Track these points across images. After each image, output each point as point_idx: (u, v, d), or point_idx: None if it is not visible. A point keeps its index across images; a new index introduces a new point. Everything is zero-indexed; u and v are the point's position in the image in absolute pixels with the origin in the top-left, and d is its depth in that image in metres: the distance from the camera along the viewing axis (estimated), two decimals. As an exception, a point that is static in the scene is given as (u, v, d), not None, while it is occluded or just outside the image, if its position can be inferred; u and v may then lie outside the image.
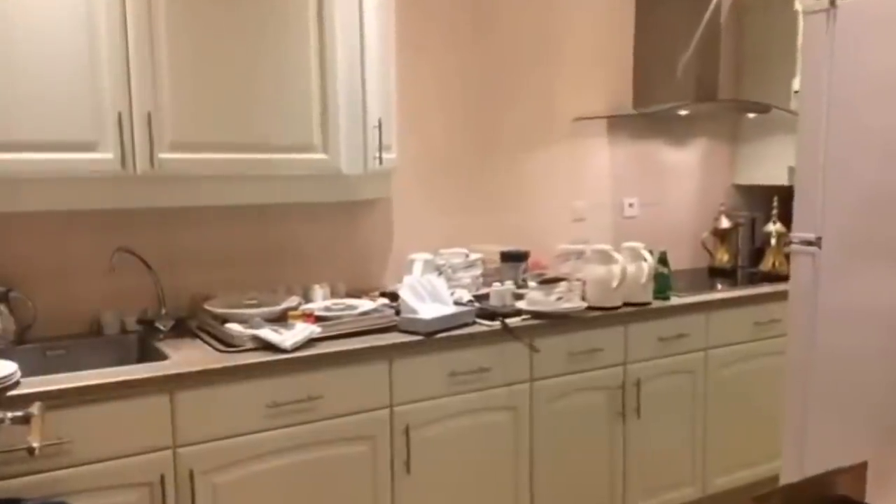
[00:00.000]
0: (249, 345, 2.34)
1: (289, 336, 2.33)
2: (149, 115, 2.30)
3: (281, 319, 2.49)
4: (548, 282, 2.85)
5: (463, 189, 3.33)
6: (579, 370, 2.85)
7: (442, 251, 3.09)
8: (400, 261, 3.05)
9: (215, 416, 2.20)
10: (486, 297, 2.85)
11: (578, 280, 2.93)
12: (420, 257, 2.89)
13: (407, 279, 2.71)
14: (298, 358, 2.30)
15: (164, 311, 2.60)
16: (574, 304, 2.80)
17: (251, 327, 2.39)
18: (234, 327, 2.41)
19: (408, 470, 2.51)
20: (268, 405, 2.26)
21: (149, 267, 2.59)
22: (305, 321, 2.46)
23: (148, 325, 2.60)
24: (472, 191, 3.35)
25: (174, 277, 2.70)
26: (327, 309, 2.61)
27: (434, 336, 2.52)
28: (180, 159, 2.37)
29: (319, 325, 2.45)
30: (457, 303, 2.75)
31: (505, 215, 3.43)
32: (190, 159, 2.39)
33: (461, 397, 2.60)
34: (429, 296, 2.65)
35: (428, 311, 2.57)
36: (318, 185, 2.67)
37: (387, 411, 2.47)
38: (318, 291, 2.83)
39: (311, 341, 2.38)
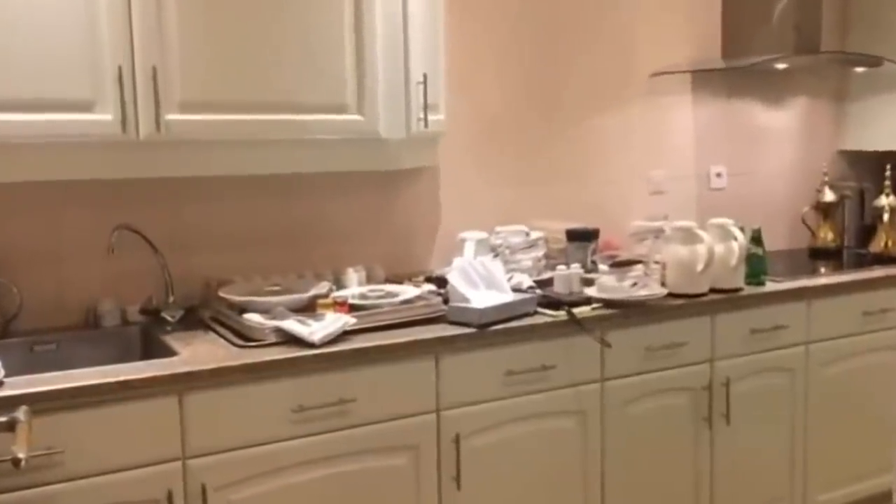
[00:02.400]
0: (271, 338, 2.33)
1: (318, 328, 2.30)
2: (154, 70, 2.26)
3: (309, 309, 2.48)
4: (621, 265, 2.85)
5: (522, 157, 3.29)
6: (658, 368, 2.81)
7: (498, 229, 3.05)
8: (448, 240, 3.03)
9: (231, 422, 2.17)
10: (549, 282, 2.83)
11: (657, 263, 2.91)
12: (472, 236, 2.88)
13: (457, 262, 2.70)
14: (329, 354, 2.28)
15: (171, 300, 2.59)
16: (652, 290, 2.77)
17: (274, 318, 2.37)
18: (253, 318, 2.39)
19: (458, 485, 2.48)
20: (293, 409, 2.23)
21: (154, 248, 2.57)
22: (337, 311, 2.44)
23: (153, 315, 2.59)
24: (533, 158, 3.31)
25: (183, 260, 2.68)
26: (363, 297, 2.61)
27: (488, 328, 2.50)
28: (190, 121, 2.35)
29: (353, 316, 2.44)
30: (515, 289, 2.72)
31: (571, 187, 3.39)
32: (201, 121, 2.37)
33: (520, 400, 2.57)
34: (482, 281, 2.63)
35: (481, 299, 2.55)
36: (353, 151, 2.66)
37: (433, 416, 2.44)
38: (353, 276, 2.81)
39: (343, 334, 2.36)
